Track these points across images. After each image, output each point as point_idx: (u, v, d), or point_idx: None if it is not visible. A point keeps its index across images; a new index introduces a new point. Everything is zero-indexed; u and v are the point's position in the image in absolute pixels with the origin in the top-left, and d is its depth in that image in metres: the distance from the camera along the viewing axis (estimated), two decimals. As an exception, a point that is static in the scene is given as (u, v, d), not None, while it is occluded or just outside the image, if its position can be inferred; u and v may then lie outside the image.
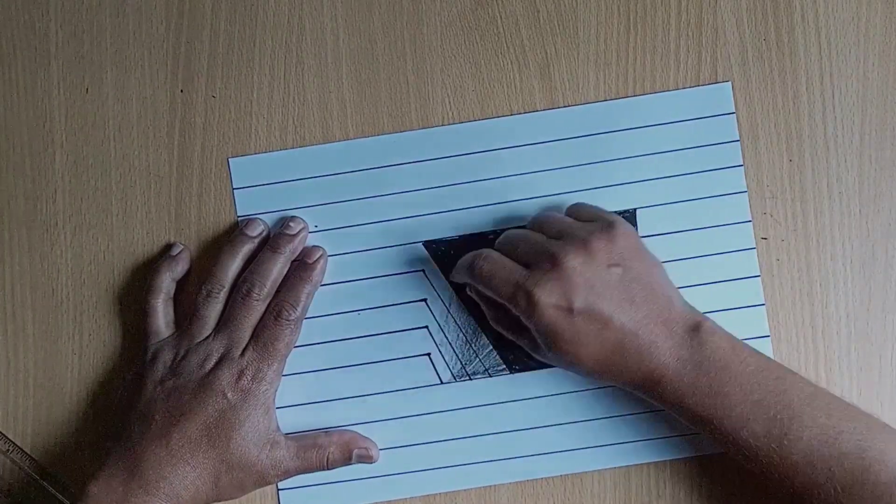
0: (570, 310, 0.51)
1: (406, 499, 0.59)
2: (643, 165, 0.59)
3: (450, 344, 0.59)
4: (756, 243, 0.59)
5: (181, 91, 0.60)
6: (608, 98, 0.60)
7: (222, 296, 0.57)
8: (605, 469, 0.58)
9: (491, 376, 0.59)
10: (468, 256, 0.55)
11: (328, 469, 0.57)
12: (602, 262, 0.52)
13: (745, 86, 0.59)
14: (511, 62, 0.60)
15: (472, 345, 0.59)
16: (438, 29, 0.60)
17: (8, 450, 0.59)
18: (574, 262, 0.51)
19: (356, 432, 0.59)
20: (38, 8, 0.61)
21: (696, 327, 0.52)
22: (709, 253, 0.59)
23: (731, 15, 0.60)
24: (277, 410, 0.57)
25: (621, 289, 0.52)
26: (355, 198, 0.60)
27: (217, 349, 0.56)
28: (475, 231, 0.59)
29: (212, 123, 0.60)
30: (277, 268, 0.57)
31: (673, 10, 0.60)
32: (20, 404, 0.60)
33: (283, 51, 0.60)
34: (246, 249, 0.58)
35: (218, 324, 0.57)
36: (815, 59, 0.59)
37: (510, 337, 0.57)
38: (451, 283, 0.59)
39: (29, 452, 0.60)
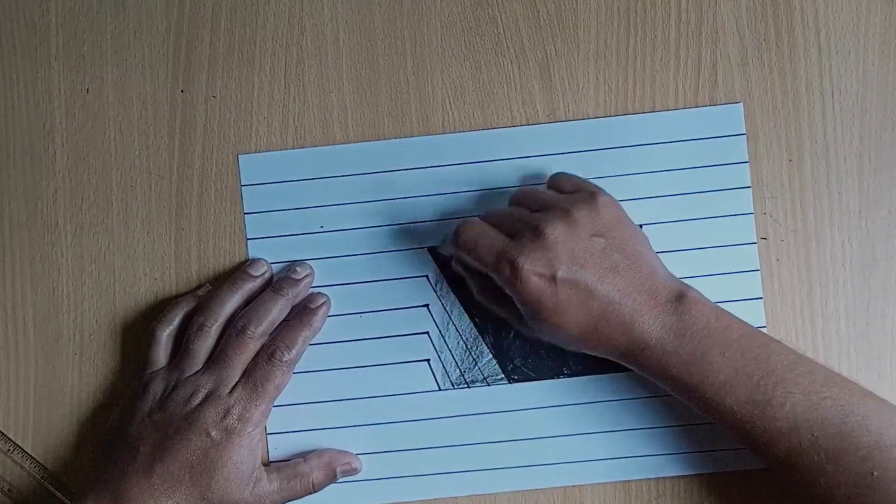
0: (553, 279, 0.51)
1: (403, 502, 0.59)
2: (651, 182, 0.59)
3: (450, 351, 0.59)
4: (756, 244, 0.59)
5: (182, 91, 0.60)
6: (608, 99, 0.60)
7: (214, 330, 0.56)
8: (605, 482, 0.59)
9: (489, 385, 0.59)
10: (455, 227, 0.55)
11: (315, 492, 0.57)
12: (585, 231, 0.52)
13: (746, 86, 0.59)
14: (511, 62, 0.60)
15: (472, 353, 0.59)
16: (438, 29, 0.60)
17: (9, 450, 0.59)
18: (557, 231, 0.51)
19: (333, 449, 0.58)
20: (38, 8, 0.61)
21: (681, 296, 0.52)
22: (713, 273, 0.59)
23: (731, 15, 0.60)
24: (273, 409, 0.57)
25: (604, 258, 0.52)
26: (362, 200, 0.60)
27: (205, 385, 0.55)
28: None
29: (212, 123, 0.60)
30: (277, 309, 0.56)
31: (673, 10, 0.60)
32: (21, 404, 0.60)
33: (283, 51, 0.60)
34: (247, 287, 0.58)
35: (209, 359, 0.56)
36: (815, 59, 0.59)
37: (494, 309, 0.57)
38: (435, 256, 0.59)
39: (30, 452, 0.60)
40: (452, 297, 0.59)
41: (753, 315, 0.58)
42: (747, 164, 0.59)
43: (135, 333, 0.60)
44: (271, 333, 0.57)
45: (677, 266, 0.58)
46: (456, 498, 0.59)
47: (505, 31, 0.60)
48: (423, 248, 0.59)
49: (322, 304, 0.58)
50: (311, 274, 0.59)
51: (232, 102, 0.60)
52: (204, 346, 0.56)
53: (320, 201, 0.60)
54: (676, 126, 0.59)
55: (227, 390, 0.55)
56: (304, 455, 0.58)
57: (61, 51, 0.61)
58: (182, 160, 0.60)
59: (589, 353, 0.54)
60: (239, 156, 0.60)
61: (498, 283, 0.53)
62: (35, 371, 0.60)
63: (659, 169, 0.59)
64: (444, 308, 0.59)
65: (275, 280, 0.58)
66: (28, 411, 0.60)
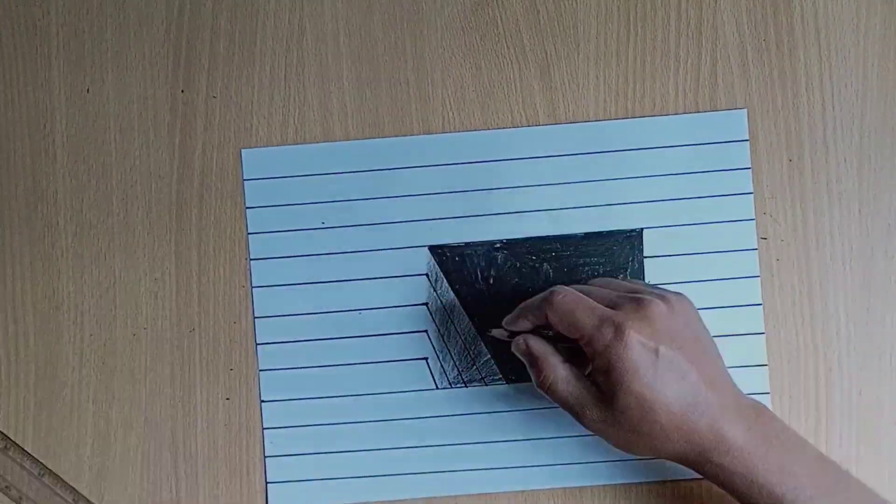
0: (655, 351, 0.49)
1: (402, 500, 0.59)
2: (653, 186, 0.59)
3: (448, 350, 0.59)
4: (756, 244, 0.59)
5: (182, 91, 0.60)
6: (608, 99, 0.60)
7: None
8: (605, 485, 0.59)
9: (487, 385, 0.59)
10: (539, 296, 0.53)
11: None
12: (680, 317, 0.51)
13: (745, 86, 0.59)
14: (511, 62, 0.60)
15: (471, 352, 0.59)
16: (439, 29, 0.60)
17: (6, 447, 0.59)
18: (659, 308, 0.50)
19: None
20: (38, 8, 0.61)
21: (758, 406, 0.51)
22: (713, 278, 0.59)
23: (731, 15, 0.60)
24: (270, 405, 0.56)
25: (698, 347, 0.51)
26: (364, 197, 0.60)
27: None
28: (481, 239, 0.59)
29: (212, 123, 0.60)
30: None
31: (673, 10, 0.60)
32: (21, 404, 0.60)
33: (283, 51, 0.60)
34: None
35: None
36: (815, 59, 0.59)
37: (561, 399, 0.52)
38: (490, 337, 0.57)
39: (30, 451, 0.60)
40: (452, 296, 0.59)
41: (753, 321, 0.58)
42: (750, 170, 0.59)
43: (134, 334, 0.60)
44: None
45: (678, 271, 0.58)
46: (455, 497, 0.59)
47: (505, 31, 0.60)
48: (423, 246, 0.60)
49: None
50: None
51: (232, 102, 0.60)
52: None
53: (322, 197, 0.60)
54: (679, 130, 0.59)
55: None
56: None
57: (61, 51, 0.61)
58: (182, 160, 0.60)
59: (660, 453, 0.51)
60: (242, 150, 0.60)
61: (587, 353, 0.51)
62: (35, 371, 0.60)
63: (661, 173, 0.59)
64: (444, 307, 0.59)
65: None
66: (28, 411, 0.60)
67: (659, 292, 0.52)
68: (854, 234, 0.59)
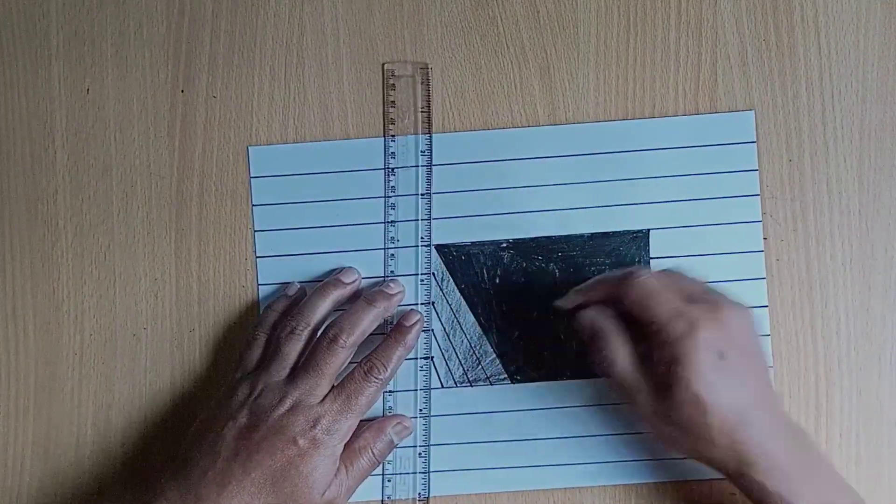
0: (721, 355, 0.50)
1: (403, 499, 0.59)
2: (660, 187, 0.59)
3: (454, 349, 0.59)
4: (763, 252, 0.59)
5: (182, 91, 0.60)
6: (608, 100, 0.60)
7: (305, 335, 0.56)
8: (606, 485, 0.59)
9: (492, 384, 0.59)
10: (618, 270, 0.53)
11: (380, 462, 0.57)
12: (748, 328, 0.52)
13: (745, 86, 0.59)
14: (511, 62, 0.60)
15: (476, 352, 0.59)
16: (438, 29, 0.60)
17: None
18: (733, 315, 0.51)
19: (379, 416, 0.58)
20: (38, 8, 0.61)
21: (800, 430, 0.52)
22: (720, 279, 0.58)
23: (731, 15, 0.60)
24: None
25: (758, 359, 0.52)
26: (370, 196, 0.60)
27: (293, 393, 0.54)
28: (487, 239, 0.59)
29: (212, 123, 0.60)
30: (368, 320, 0.56)
31: (673, 10, 0.60)
32: (20, 404, 0.60)
33: (283, 51, 0.60)
34: (337, 294, 0.58)
35: (297, 365, 0.55)
36: (815, 60, 0.59)
37: (622, 379, 0.52)
38: (555, 308, 0.57)
39: (29, 451, 0.59)
40: (458, 295, 0.59)
41: (760, 323, 0.58)
42: (757, 171, 0.59)
43: (134, 334, 0.60)
44: (369, 351, 0.56)
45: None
46: (455, 496, 0.59)
47: (505, 31, 0.60)
48: (430, 245, 0.60)
49: (416, 321, 0.58)
50: (404, 291, 0.59)
51: (232, 103, 0.60)
52: (294, 349, 0.56)
53: (328, 196, 0.60)
54: (687, 131, 0.59)
55: (318, 400, 0.54)
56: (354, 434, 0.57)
57: (61, 51, 0.61)
58: (182, 160, 0.60)
59: (701, 456, 0.51)
60: (249, 147, 0.60)
61: (655, 341, 0.51)
62: (35, 371, 0.60)
63: (668, 174, 0.59)
64: (450, 307, 0.59)
65: (367, 292, 0.58)
66: (27, 411, 0.60)
67: (730, 298, 0.53)
68: (854, 234, 0.59)
